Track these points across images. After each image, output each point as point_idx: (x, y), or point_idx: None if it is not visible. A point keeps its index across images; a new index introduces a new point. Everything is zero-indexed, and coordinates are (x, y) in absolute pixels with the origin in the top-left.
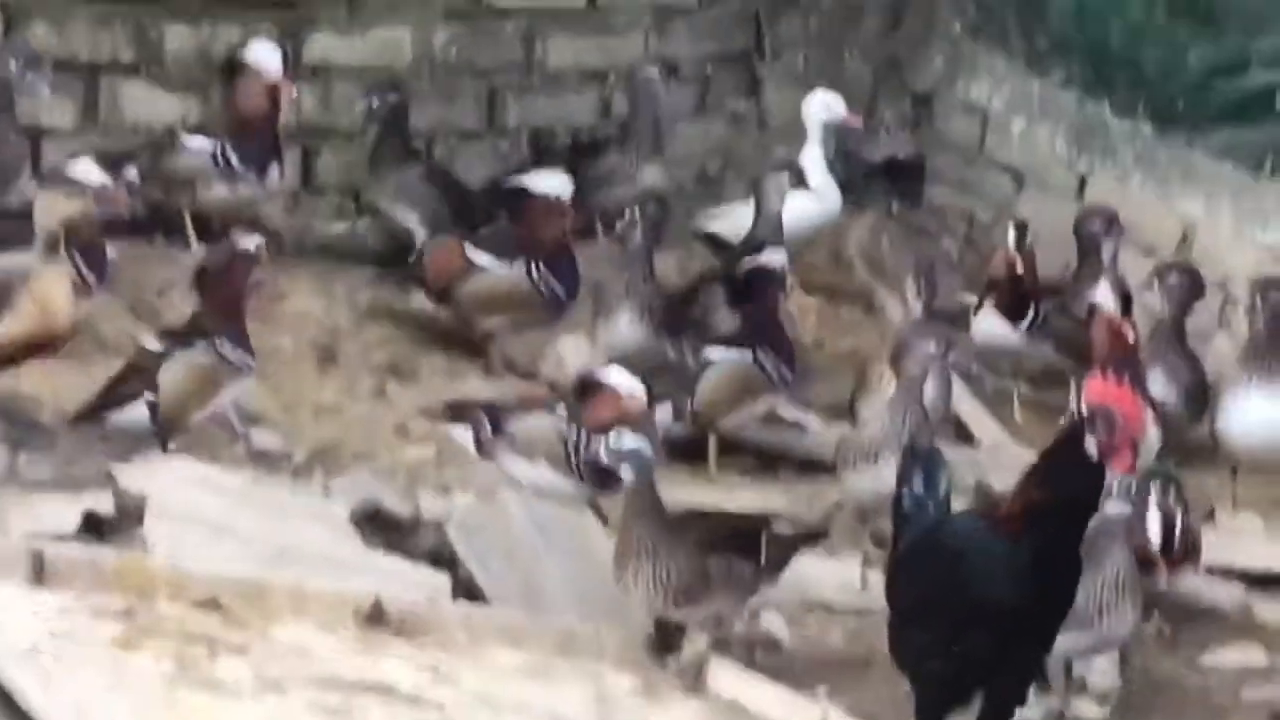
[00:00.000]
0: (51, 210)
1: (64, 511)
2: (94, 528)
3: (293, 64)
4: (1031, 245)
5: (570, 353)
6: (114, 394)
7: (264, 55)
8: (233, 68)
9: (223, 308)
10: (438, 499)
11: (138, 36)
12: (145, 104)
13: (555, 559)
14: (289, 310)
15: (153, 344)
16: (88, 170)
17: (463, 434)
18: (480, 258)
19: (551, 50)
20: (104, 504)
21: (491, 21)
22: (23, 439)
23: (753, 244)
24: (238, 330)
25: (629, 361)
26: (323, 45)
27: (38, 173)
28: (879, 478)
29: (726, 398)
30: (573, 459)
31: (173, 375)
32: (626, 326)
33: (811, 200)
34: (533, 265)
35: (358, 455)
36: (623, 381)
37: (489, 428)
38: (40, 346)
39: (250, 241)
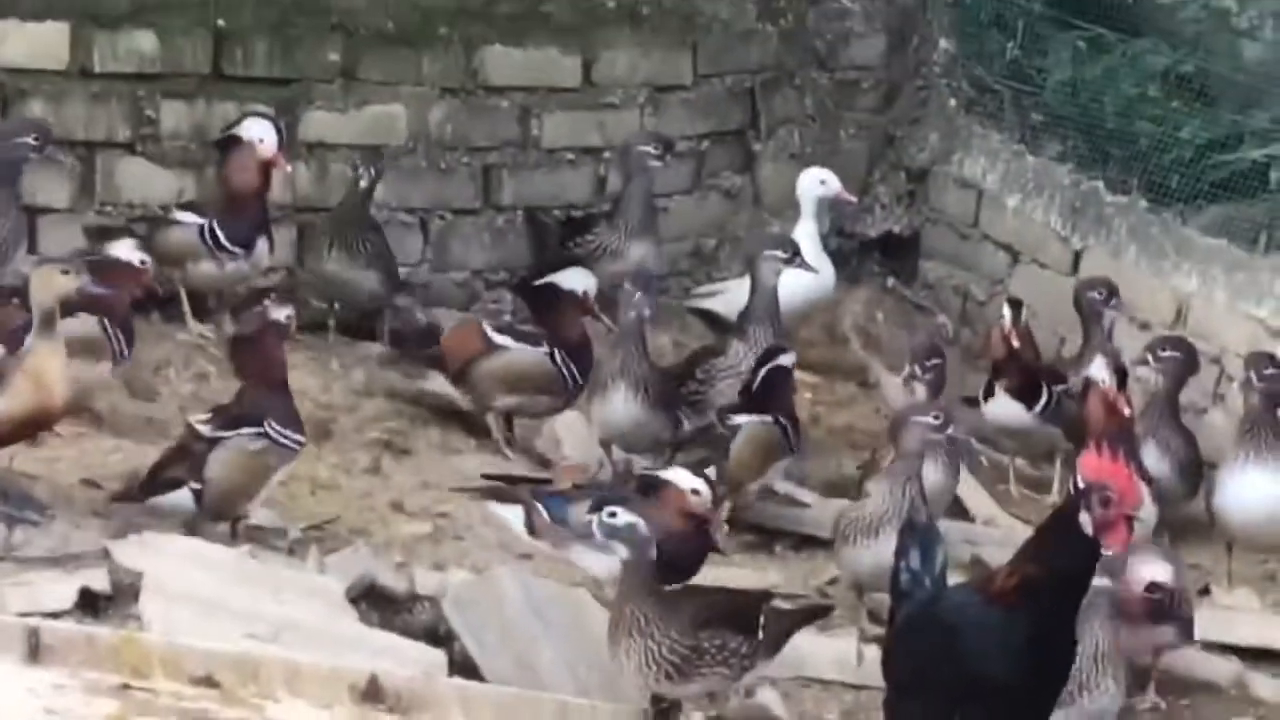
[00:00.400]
0: (47, 285)
1: (60, 588)
2: (90, 604)
3: (287, 141)
4: (1027, 322)
5: (565, 430)
6: (159, 478)
7: (259, 130)
8: (228, 142)
9: (262, 379)
10: (433, 575)
11: (134, 114)
12: (141, 181)
13: (551, 635)
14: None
15: (203, 427)
16: (130, 250)
17: (511, 516)
18: (501, 339)
19: (547, 126)
20: (99, 581)
21: (487, 98)
22: (18, 516)
23: (748, 321)
24: (284, 405)
25: (625, 438)
26: (318, 122)
27: (34, 250)
28: (878, 553)
29: (757, 460)
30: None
31: (224, 464)
32: (622, 404)
33: (806, 276)
34: (556, 351)
35: (353, 531)
36: (685, 479)
37: (545, 513)
38: (36, 423)
39: (281, 311)
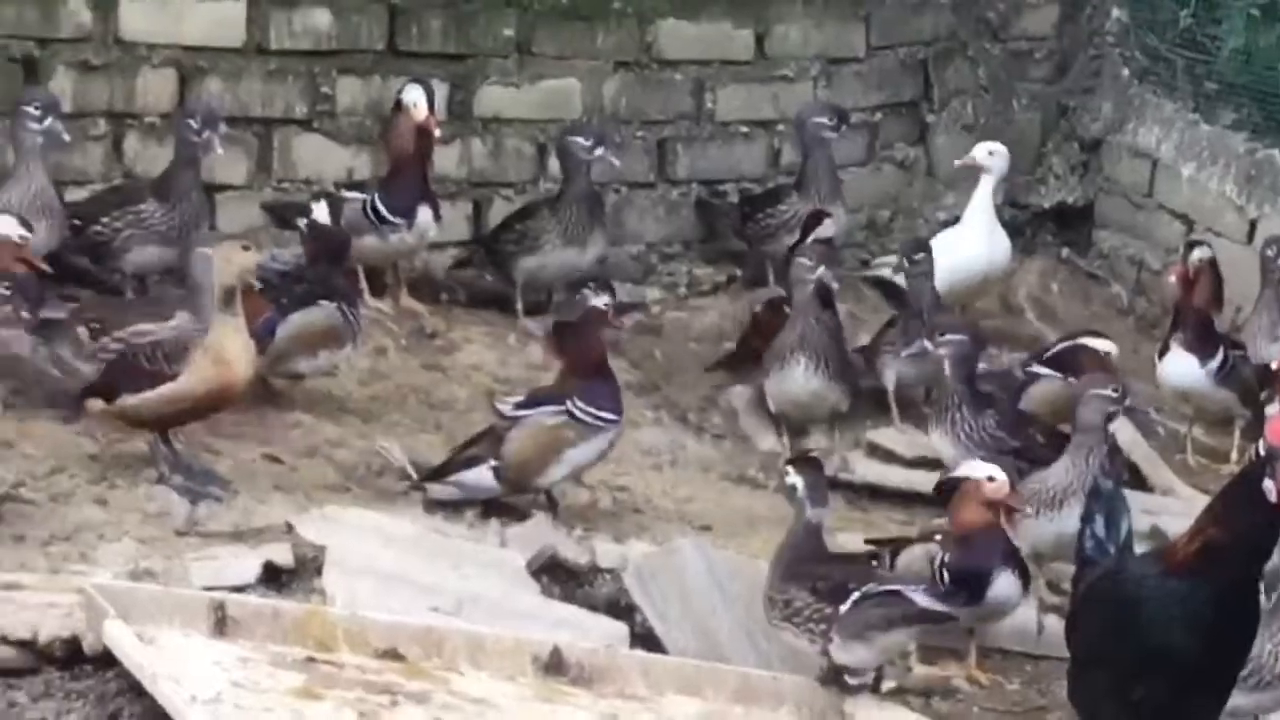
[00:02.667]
0: (227, 261)
1: (244, 563)
2: (273, 578)
3: (462, 114)
4: (1206, 266)
5: (740, 401)
6: (463, 456)
7: (412, 95)
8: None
9: (579, 362)
10: (614, 547)
11: (310, 91)
12: (318, 158)
13: (732, 606)
14: (462, 362)
15: (506, 407)
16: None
17: None
18: None
19: (721, 99)
20: (283, 555)
21: (661, 72)
22: (202, 491)
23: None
24: (600, 386)
25: (802, 409)
26: (493, 97)
27: (213, 228)
28: (1060, 525)
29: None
30: (938, 576)
31: (519, 439)
32: (802, 376)
33: (981, 247)
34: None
35: (534, 504)
36: (983, 471)
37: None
38: (217, 400)
39: (600, 298)
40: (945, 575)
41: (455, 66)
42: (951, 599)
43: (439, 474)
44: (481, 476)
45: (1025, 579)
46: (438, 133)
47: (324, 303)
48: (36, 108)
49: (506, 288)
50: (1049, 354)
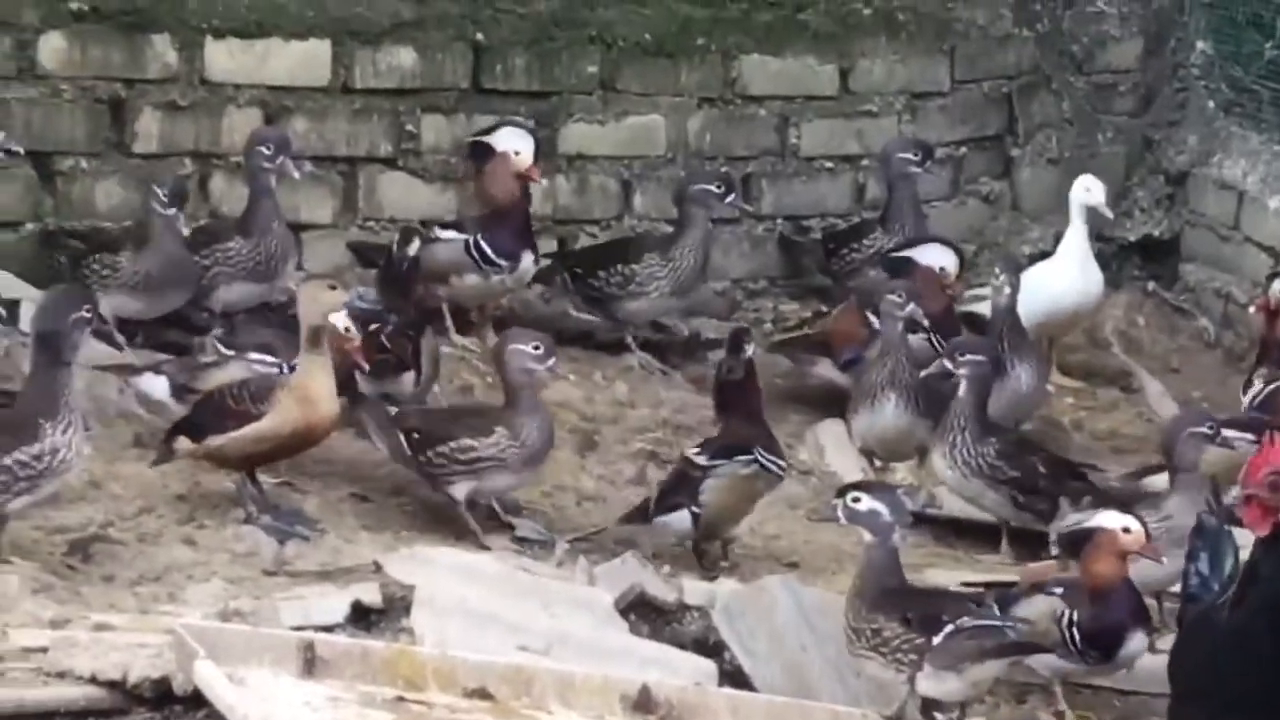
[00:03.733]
0: (314, 300)
1: (332, 602)
2: (361, 618)
3: (545, 152)
4: None
5: (828, 437)
6: (664, 501)
7: (516, 141)
8: (483, 151)
9: (744, 412)
10: (701, 585)
11: (395, 129)
12: (403, 196)
13: (821, 643)
14: (549, 399)
15: (698, 457)
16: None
17: None
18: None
19: (805, 135)
20: (371, 594)
21: (745, 107)
22: (289, 530)
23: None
24: (765, 434)
25: (889, 446)
26: (578, 134)
27: (301, 266)
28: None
29: None
30: (1068, 635)
31: (718, 489)
32: (892, 413)
33: (1074, 281)
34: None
35: (620, 542)
36: (1117, 521)
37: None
38: (303, 439)
39: (751, 347)
40: (1076, 634)
41: (539, 104)
42: (1083, 659)
43: (642, 517)
44: (682, 521)
45: (1150, 632)
46: (543, 182)
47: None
48: (268, 148)
49: (603, 322)
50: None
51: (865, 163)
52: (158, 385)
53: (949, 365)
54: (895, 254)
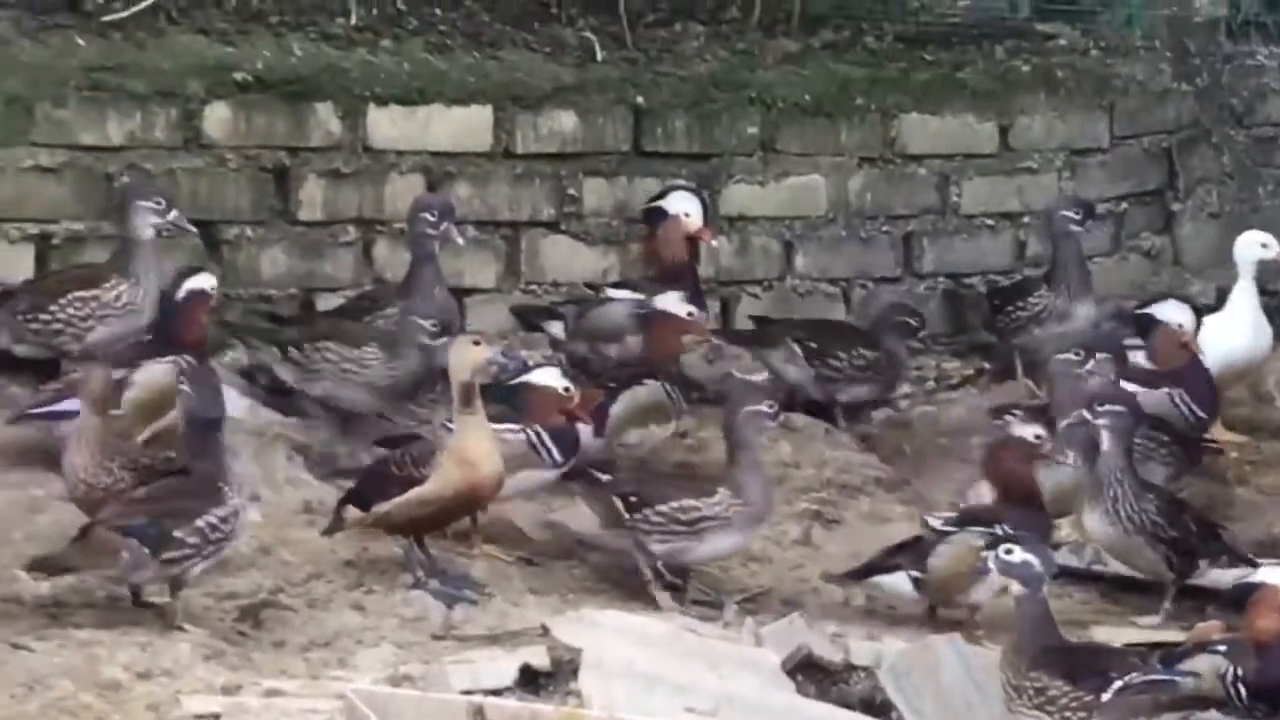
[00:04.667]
0: (461, 359)
1: (500, 665)
2: (530, 681)
3: (711, 213)
4: None
5: (990, 493)
6: (886, 561)
7: (685, 204)
8: (653, 216)
9: (1016, 494)
10: (867, 645)
11: (557, 193)
12: (566, 259)
13: (988, 703)
14: (709, 459)
15: (936, 521)
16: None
17: None
18: None
19: (965, 193)
20: (539, 657)
21: (905, 166)
22: (457, 595)
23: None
24: (1029, 514)
25: (1054, 502)
26: (739, 195)
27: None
28: None
29: None
30: (1233, 691)
31: (945, 556)
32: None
33: (1246, 337)
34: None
35: (786, 602)
36: (1277, 576)
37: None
38: (467, 502)
39: (1029, 430)
40: (1241, 689)
41: (700, 165)
42: (1249, 715)
43: (858, 575)
44: (899, 583)
45: None
46: (714, 243)
47: (649, 381)
48: (432, 214)
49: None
50: None
51: (1025, 219)
52: None
53: (1088, 416)
54: (1139, 310)
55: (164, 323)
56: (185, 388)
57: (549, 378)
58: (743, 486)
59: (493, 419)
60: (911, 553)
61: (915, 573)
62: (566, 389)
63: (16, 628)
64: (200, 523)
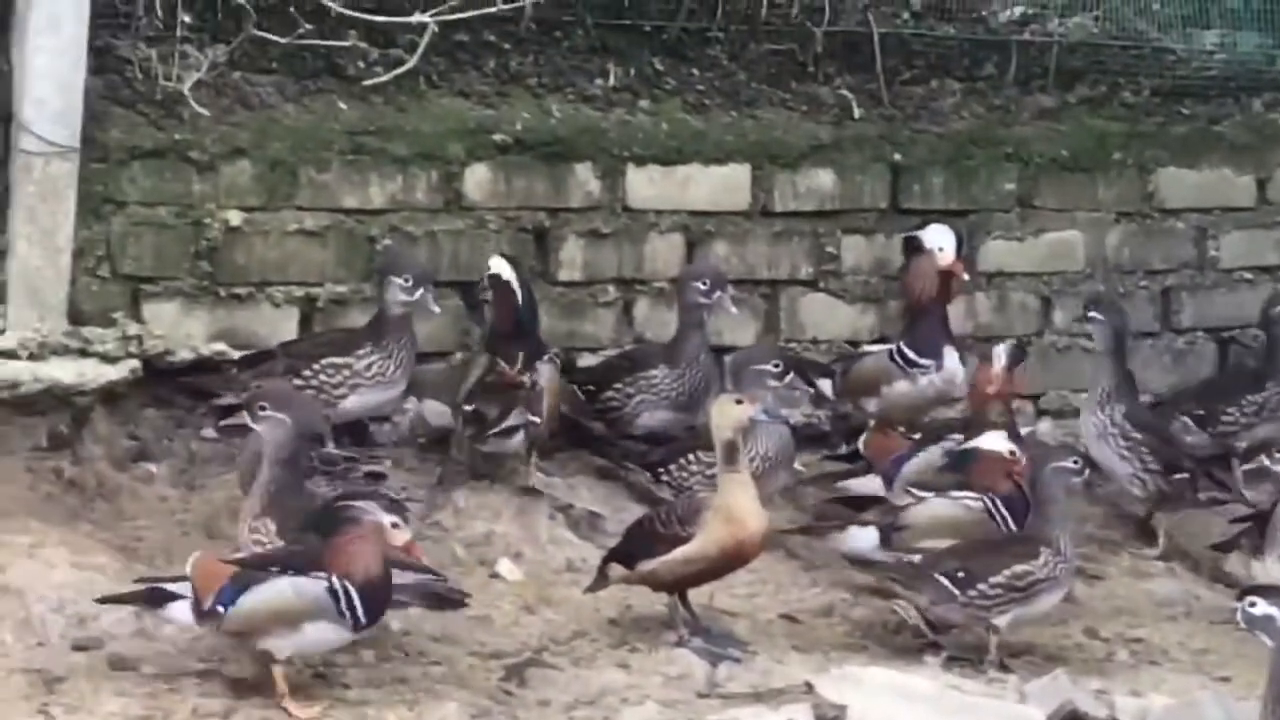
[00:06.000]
0: (724, 417)
1: None
2: None
3: (967, 252)
4: None
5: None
6: None
7: (939, 237)
8: (911, 246)
9: None
10: (1132, 700)
11: (815, 251)
12: (824, 317)
13: None
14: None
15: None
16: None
17: None
18: None
19: (1224, 247)
20: (804, 715)
21: (1163, 220)
22: (721, 653)
23: None
24: None
25: None
26: (996, 251)
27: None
28: None
29: None
30: None
31: None
32: None
33: None
34: None
35: (1049, 658)
36: None
37: None
38: (732, 558)
39: None
40: None
41: (957, 222)
42: None
43: None
44: None
45: None
46: (965, 277)
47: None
48: (704, 283)
49: None
50: None
51: None
52: (865, 537)
53: (1268, 463)
54: None
55: None
56: None
57: (996, 442)
58: (1058, 542)
59: (945, 487)
60: None
61: None
62: (1013, 452)
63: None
64: None
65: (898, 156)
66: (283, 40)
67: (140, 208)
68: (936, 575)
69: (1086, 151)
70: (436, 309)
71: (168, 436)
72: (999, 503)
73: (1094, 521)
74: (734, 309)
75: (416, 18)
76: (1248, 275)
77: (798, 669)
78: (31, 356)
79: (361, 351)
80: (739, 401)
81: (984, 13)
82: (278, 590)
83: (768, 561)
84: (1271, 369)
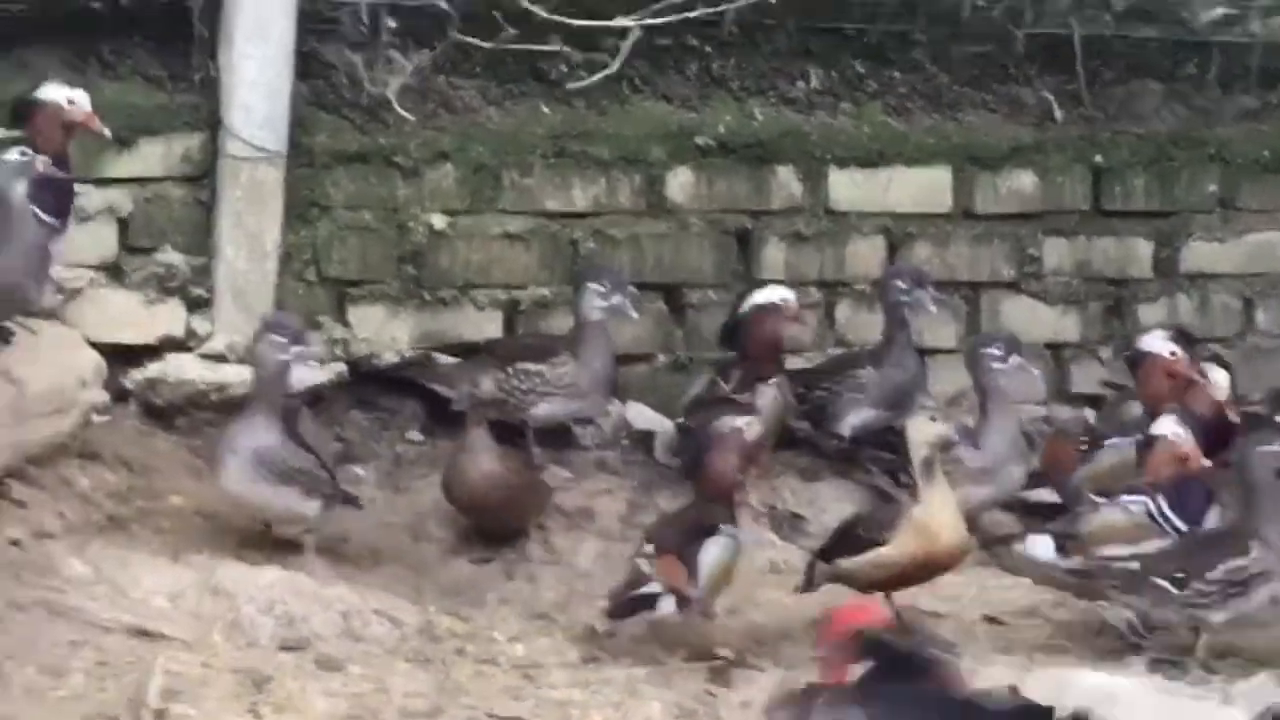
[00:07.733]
0: (921, 433)
1: None
2: None
3: (1165, 269)
4: None
5: None
6: None
7: (1162, 343)
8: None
9: None
10: None
11: (1016, 253)
12: (1026, 319)
13: None
14: None
15: None
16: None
17: None
18: None
19: None
20: None
21: None
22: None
23: None
24: None
25: None
26: (1198, 253)
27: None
28: None
29: None
30: None
31: None
32: None
33: None
34: None
35: (1255, 660)
36: None
37: None
38: (924, 568)
39: None
40: None
41: (1159, 223)
42: None
43: None
44: None
45: None
46: (1201, 380)
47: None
48: (904, 281)
49: None
50: None
51: None
52: (1042, 544)
53: None
54: None
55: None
56: None
57: (1168, 427)
58: (1267, 532)
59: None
60: None
61: None
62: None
63: (492, 686)
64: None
65: (1099, 158)
66: (486, 45)
67: (345, 212)
68: (1154, 579)
69: None
70: (635, 314)
71: (373, 439)
72: (1164, 503)
73: None
74: (933, 307)
75: (619, 22)
76: None
77: (1002, 671)
78: (239, 360)
79: (556, 360)
80: (934, 419)
81: (1185, 14)
82: None
83: (969, 563)
84: None
